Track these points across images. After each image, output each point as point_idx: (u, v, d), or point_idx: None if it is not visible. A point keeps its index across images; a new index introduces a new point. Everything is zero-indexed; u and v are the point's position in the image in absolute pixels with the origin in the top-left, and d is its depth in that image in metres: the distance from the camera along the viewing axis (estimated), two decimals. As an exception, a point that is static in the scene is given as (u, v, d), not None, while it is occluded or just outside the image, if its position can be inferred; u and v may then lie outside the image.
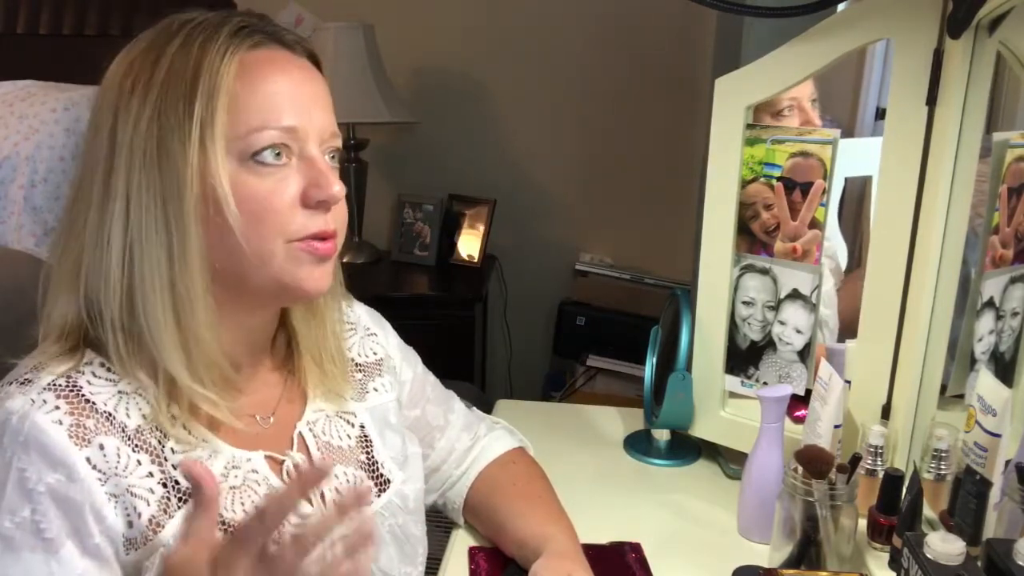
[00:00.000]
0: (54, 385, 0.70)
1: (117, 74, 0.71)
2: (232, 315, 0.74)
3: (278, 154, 0.71)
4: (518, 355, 2.69)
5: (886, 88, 1.14)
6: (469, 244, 2.48)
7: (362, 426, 0.88)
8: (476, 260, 2.46)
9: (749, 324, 1.15)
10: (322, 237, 0.74)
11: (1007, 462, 0.92)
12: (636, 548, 0.99)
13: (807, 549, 0.92)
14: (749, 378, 1.17)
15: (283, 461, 0.79)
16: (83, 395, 0.70)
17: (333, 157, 0.76)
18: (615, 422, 1.36)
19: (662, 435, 1.26)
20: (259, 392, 0.82)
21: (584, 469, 1.22)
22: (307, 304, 0.83)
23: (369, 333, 0.95)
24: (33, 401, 0.68)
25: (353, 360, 0.91)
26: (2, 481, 0.66)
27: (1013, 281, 1.10)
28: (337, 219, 0.75)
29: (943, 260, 0.98)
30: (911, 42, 0.95)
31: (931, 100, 0.94)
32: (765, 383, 1.15)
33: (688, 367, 1.18)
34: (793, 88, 1.28)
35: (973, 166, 0.97)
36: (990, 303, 1.09)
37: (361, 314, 0.97)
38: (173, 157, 0.68)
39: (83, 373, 0.71)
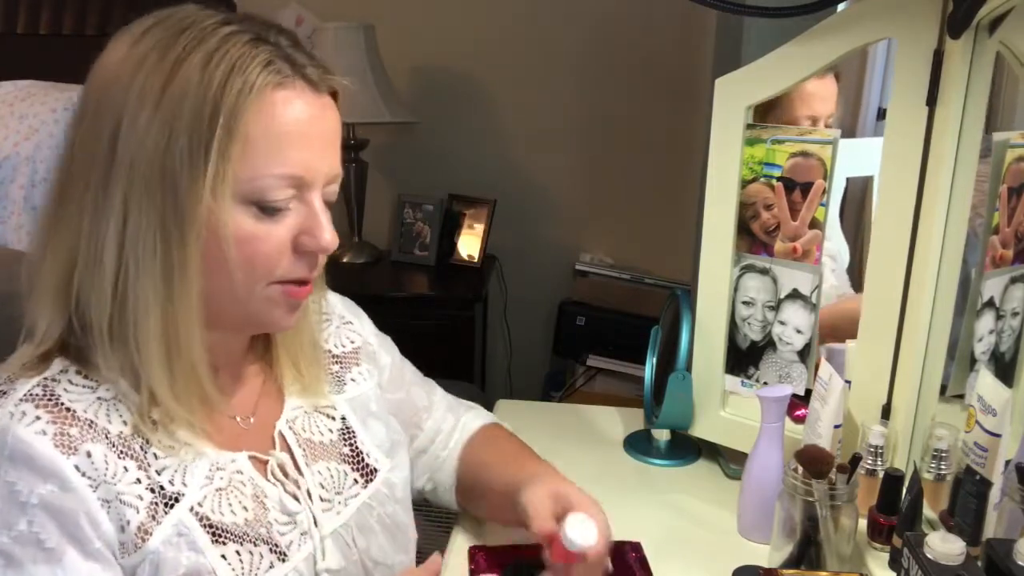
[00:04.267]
0: (31, 395, 0.68)
1: (123, 70, 0.67)
2: (211, 332, 0.73)
3: (278, 206, 0.70)
4: (518, 355, 2.69)
5: (887, 88, 1.14)
6: (469, 244, 2.48)
7: (343, 418, 0.87)
8: (476, 260, 2.46)
9: (749, 324, 1.15)
10: (302, 282, 0.74)
11: (1007, 462, 0.92)
12: (636, 547, 0.99)
13: (807, 549, 0.92)
14: (749, 378, 1.17)
15: (267, 461, 0.79)
16: (62, 403, 0.69)
17: (329, 185, 0.75)
18: (615, 422, 1.36)
19: (662, 435, 1.26)
20: (239, 392, 0.81)
21: (584, 469, 1.22)
22: None
23: (344, 322, 0.95)
24: (12, 414, 0.67)
25: (330, 352, 0.91)
26: None
27: (1013, 281, 1.10)
28: (321, 261, 0.76)
29: (943, 260, 0.98)
30: (911, 42, 0.95)
31: (931, 100, 0.94)
32: (765, 383, 1.15)
33: (688, 367, 1.18)
34: (817, 105, 1.28)
35: (973, 166, 0.97)
36: (990, 303, 1.09)
37: (335, 303, 0.96)
38: (180, 191, 0.66)
39: (59, 381, 0.70)
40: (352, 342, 0.94)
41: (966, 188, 0.97)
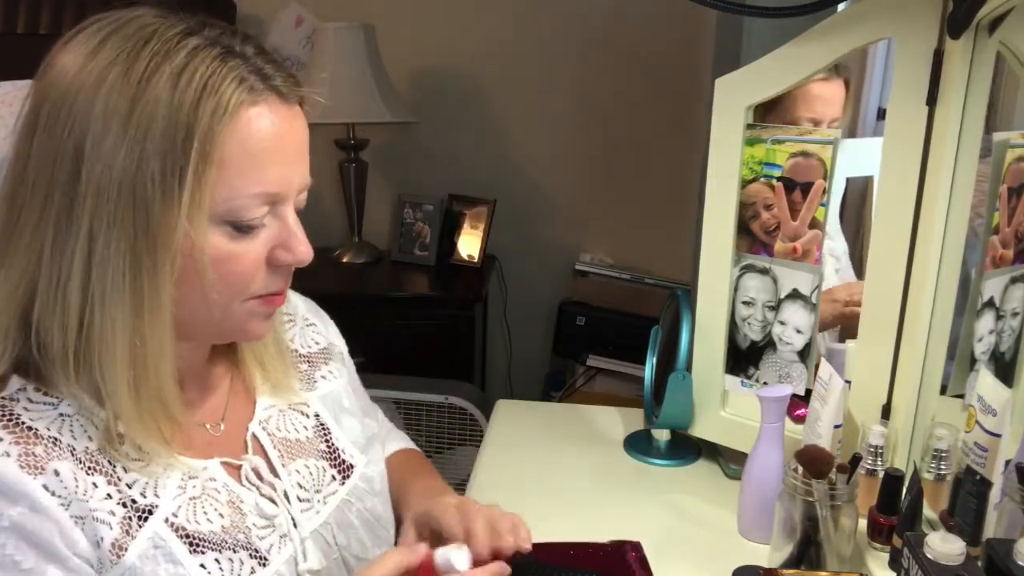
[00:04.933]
0: None
1: (83, 84, 0.64)
2: (178, 344, 0.72)
3: (253, 224, 0.68)
4: (518, 355, 2.69)
5: (887, 88, 1.14)
6: (469, 244, 2.48)
7: (317, 415, 0.86)
8: (476, 260, 2.46)
9: (749, 324, 1.15)
10: (279, 293, 0.73)
11: (1007, 462, 0.92)
12: (636, 547, 0.99)
13: (807, 549, 0.92)
14: (749, 378, 1.17)
15: (240, 466, 0.77)
16: (23, 423, 0.66)
17: (300, 194, 0.73)
18: (615, 422, 1.36)
19: (662, 435, 1.26)
20: (206, 400, 0.80)
21: (584, 469, 1.22)
22: None
23: (308, 324, 0.94)
24: None
25: (296, 351, 0.90)
26: None
27: (1013, 281, 1.10)
28: (292, 270, 0.74)
29: (943, 260, 0.98)
30: (911, 42, 0.95)
31: (931, 100, 0.94)
32: (765, 383, 1.15)
33: (688, 367, 1.18)
34: (820, 107, 1.29)
35: (973, 166, 0.97)
36: (990, 303, 1.09)
37: (298, 304, 0.95)
38: (153, 217, 0.64)
39: (17, 400, 0.67)
40: (317, 343, 0.93)
41: (966, 188, 0.97)
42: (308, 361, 0.90)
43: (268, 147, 0.67)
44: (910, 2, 0.93)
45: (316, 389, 0.89)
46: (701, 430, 1.22)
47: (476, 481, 1.20)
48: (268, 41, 2.48)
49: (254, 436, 0.80)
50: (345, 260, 2.43)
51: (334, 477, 0.84)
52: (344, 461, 0.86)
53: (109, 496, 0.67)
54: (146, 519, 0.68)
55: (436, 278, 2.43)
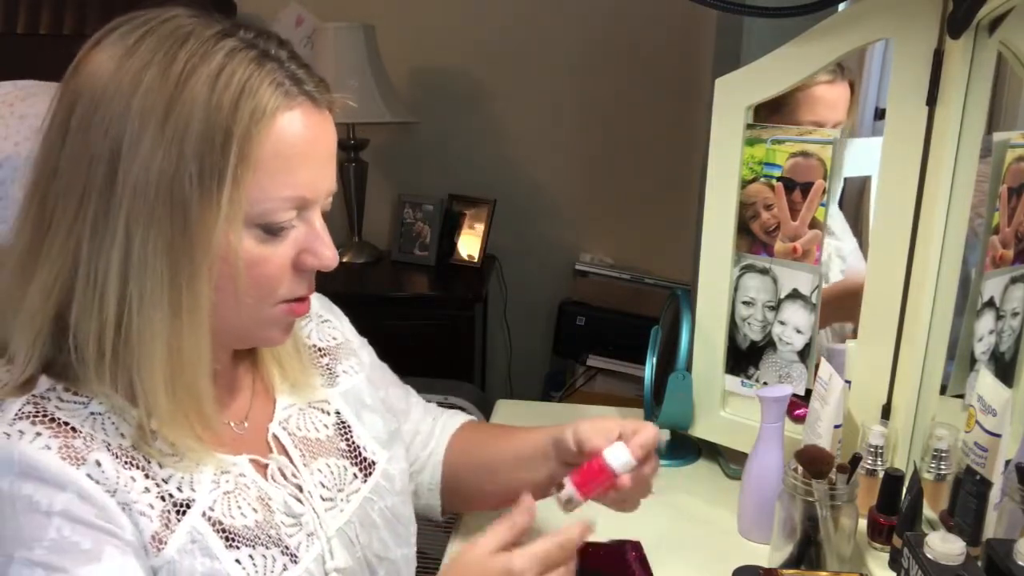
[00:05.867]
0: (23, 414, 0.66)
1: (119, 85, 0.64)
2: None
3: (283, 226, 0.69)
4: (518, 355, 2.69)
5: (886, 88, 1.14)
6: (469, 244, 2.48)
7: (337, 412, 0.86)
8: (476, 260, 2.46)
9: (749, 324, 1.15)
10: (303, 300, 0.74)
11: (1007, 462, 0.92)
12: (636, 547, 0.99)
13: (807, 549, 0.92)
14: (749, 378, 1.17)
15: (267, 465, 0.77)
16: (58, 419, 0.66)
17: (326, 199, 0.74)
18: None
19: (662, 435, 1.26)
20: (232, 398, 0.80)
21: (584, 469, 1.22)
22: None
23: (323, 320, 0.94)
24: (8, 435, 0.64)
25: (315, 346, 0.90)
26: (11, 515, 0.63)
27: (1013, 281, 1.10)
28: (315, 275, 0.75)
29: (943, 260, 0.98)
30: (911, 42, 0.95)
31: (931, 100, 0.94)
32: (765, 383, 1.15)
33: (688, 367, 1.18)
34: (823, 110, 1.28)
35: (973, 166, 0.97)
36: (990, 303, 1.09)
37: (312, 301, 0.95)
38: (191, 218, 0.64)
39: (48, 399, 0.68)
40: (334, 338, 0.93)
41: (966, 188, 0.97)
42: (328, 355, 0.91)
43: (300, 151, 0.68)
44: (910, 2, 0.93)
45: (338, 385, 0.89)
46: (701, 430, 1.22)
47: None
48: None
49: (275, 436, 0.80)
50: (345, 260, 2.44)
51: (356, 475, 0.84)
52: (366, 459, 0.86)
53: (147, 490, 0.68)
54: (184, 513, 0.69)
55: (436, 278, 2.43)
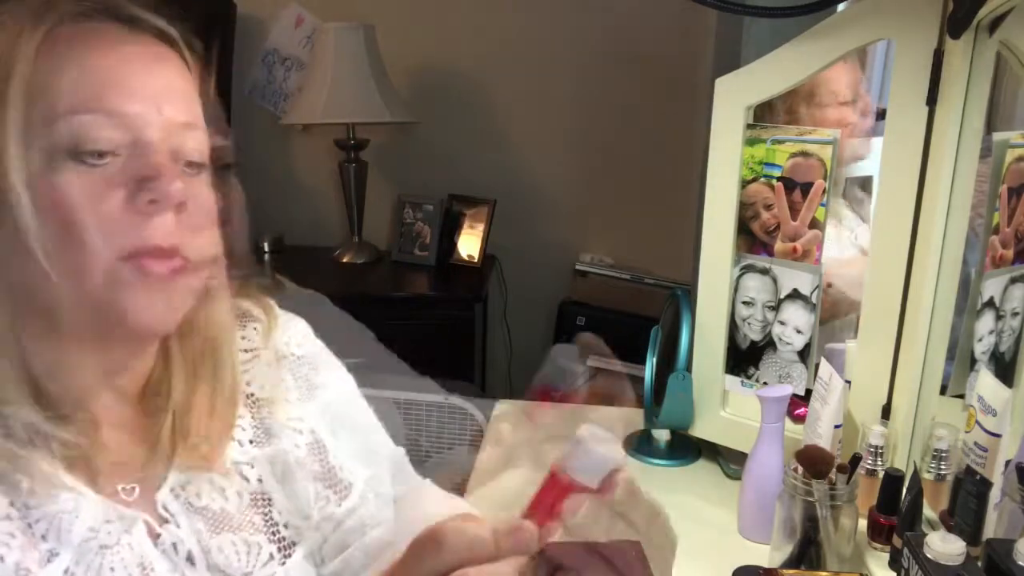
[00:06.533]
0: None
1: None
2: (58, 347, 0.59)
3: (99, 149, 0.55)
4: (518, 355, 2.69)
5: (886, 88, 1.14)
6: (469, 244, 2.48)
7: (312, 431, 0.73)
8: (476, 260, 2.46)
9: (749, 324, 1.15)
10: (157, 254, 0.57)
11: (1007, 462, 0.92)
12: (636, 546, 0.99)
13: (807, 549, 0.92)
14: (749, 378, 1.17)
15: (160, 535, 0.63)
16: None
17: (190, 166, 0.60)
18: (615, 422, 1.36)
19: (662, 435, 1.26)
20: (112, 451, 0.63)
21: (584, 469, 1.22)
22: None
23: (290, 360, 0.76)
24: None
25: (294, 354, 0.76)
26: None
27: (1013, 281, 1.10)
28: (187, 234, 0.58)
29: (943, 260, 0.98)
30: (911, 42, 0.95)
31: (931, 100, 0.94)
32: (765, 383, 1.15)
33: (688, 367, 1.18)
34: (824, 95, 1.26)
35: (973, 166, 0.97)
36: (990, 303, 1.09)
37: (282, 345, 0.76)
38: None
39: None
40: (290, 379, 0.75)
41: (966, 188, 0.97)
42: (309, 364, 0.77)
43: (92, 64, 0.57)
44: (910, 2, 0.93)
45: (316, 398, 0.75)
46: (701, 430, 1.22)
47: (475, 481, 1.19)
48: (268, 41, 2.49)
49: (165, 507, 0.64)
50: (345, 260, 2.44)
51: (272, 555, 0.68)
52: (284, 538, 0.70)
53: (9, 517, 0.56)
54: (48, 562, 0.57)
55: (436, 278, 2.43)
